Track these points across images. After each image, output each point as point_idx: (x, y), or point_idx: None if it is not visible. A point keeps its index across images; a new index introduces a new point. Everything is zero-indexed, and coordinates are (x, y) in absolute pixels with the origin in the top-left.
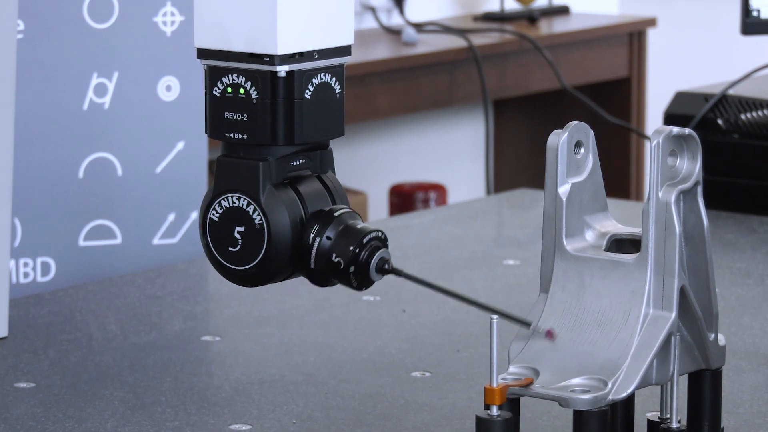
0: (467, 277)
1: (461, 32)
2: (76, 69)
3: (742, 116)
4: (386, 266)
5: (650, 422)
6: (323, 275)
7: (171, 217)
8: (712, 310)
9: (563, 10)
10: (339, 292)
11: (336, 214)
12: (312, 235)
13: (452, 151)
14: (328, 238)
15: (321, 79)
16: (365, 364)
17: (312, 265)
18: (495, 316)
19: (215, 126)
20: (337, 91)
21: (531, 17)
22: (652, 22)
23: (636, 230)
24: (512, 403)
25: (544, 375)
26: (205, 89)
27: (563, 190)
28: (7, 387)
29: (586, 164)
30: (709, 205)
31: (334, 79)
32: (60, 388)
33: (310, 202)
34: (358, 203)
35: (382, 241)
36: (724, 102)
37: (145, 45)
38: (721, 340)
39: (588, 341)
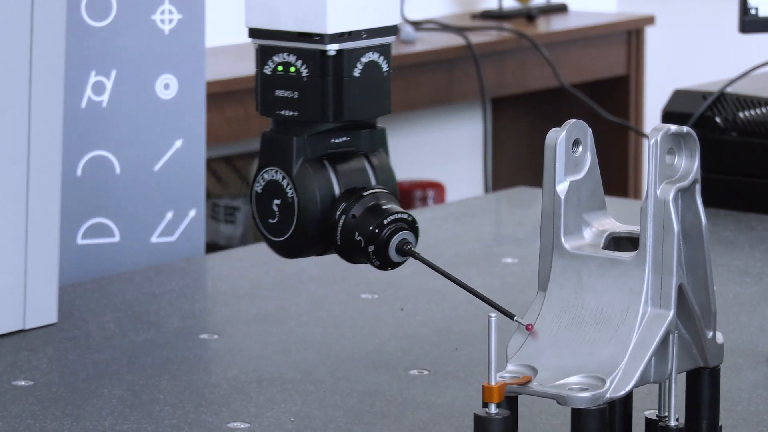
0: (465, 275)
1: (459, 30)
2: (74, 67)
3: (741, 114)
4: (405, 247)
5: (648, 420)
6: (348, 252)
7: (169, 215)
8: (710, 308)
9: (561, 8)
10: (337, 290)
11: (365, 193)
12: (338, 213)
13: (450, 149)
14: (354, 216)
15: (369, 57)
16: (363, 362)
17: (338, 242)
18: (493, 314)
19: (266, 103)
20: (384, 70)
21: (529, 15)
22: (650, 20)
23: (634, 228)
24: (510, 401)
25: (542, 373)
26: (256, 68)
27: (561, 188)
28: (5, 385)
29: (584, 162)
30: (707, 203)
31: (381, 57)
32: (58, 386)
33: (344, 180)
34: None
35: (409, 223)
36: (722, 100)
37: (143, 43)
38: (719, 338)
39: (586, 339)
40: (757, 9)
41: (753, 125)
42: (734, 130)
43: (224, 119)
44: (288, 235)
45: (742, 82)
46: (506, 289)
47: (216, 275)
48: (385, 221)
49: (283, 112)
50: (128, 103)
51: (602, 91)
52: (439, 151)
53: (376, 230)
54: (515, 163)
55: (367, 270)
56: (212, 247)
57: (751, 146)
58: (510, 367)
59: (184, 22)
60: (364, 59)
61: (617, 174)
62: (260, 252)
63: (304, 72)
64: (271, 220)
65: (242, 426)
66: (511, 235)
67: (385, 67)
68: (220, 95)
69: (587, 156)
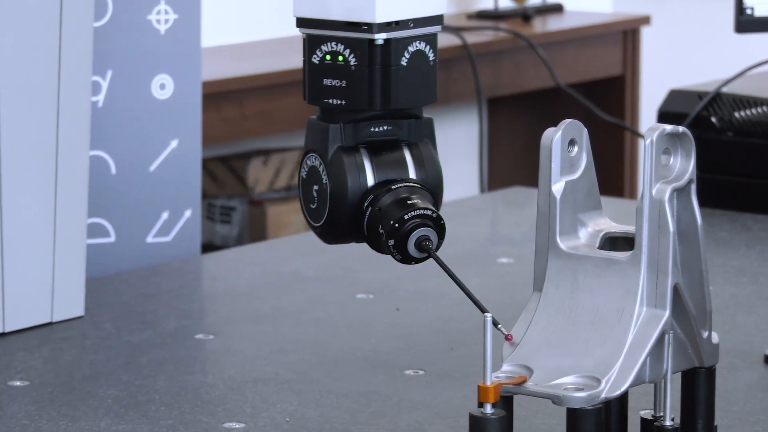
0: (461, 275)
1: (456, 30)
2: None
3: (736, 114)
4: (424, 243)
5: (644, 420)
6: (374, 244)
7: (165, 215)
8: (705, 308)
9: (557, 8)
10: (333, 290)
11: (393, 186)
12: (366, 204)
13: (446, 148)
14: (379, 209)
15: (416, 46)
16: (359, 363)
17: (365, 233)
18: (489, 314)
19: (314, 92)
20: (431, 59)
21: (525, 15)
22: (646, 20)
23: (630, 228)
24: (506, 401)
25: (538, 373)
26: (304, 57)
27: (557, 188)
28: (1, 385)
29: (579, 162)
30: (702, 203)
31: (428, 47)
32: (54, 386)
33: (380, 170)
34: None
35: (433, 220)
36: (717, 100)
37: (139, 43)
38: (715, 338)
39: (582, 339)
40: (752, 9)
41: (749, 125)
42: (730, 130)
43: (220, 119)
44: (323, 221)
45: (737, 82)
46: (502, 289)
47: (212, 275)
48: (407, 216)
49: (330, 101)
50: (124, 103)
51: (598, 91)
52: None
53: (396, 225)
54: (511, 162)
55: (362, 270)
56: (208, 247)
57: (747, 146)
58: (505, 367)
59: (179, 22)
60: (411, 48)
61: (613, 174)
62: (256, 252)
63: (352, 61)
64: (312, 206)
65: (238, 426)
66: (507, 235)
67: (431, 56)
68: (215, 95)
69: (583, 156)
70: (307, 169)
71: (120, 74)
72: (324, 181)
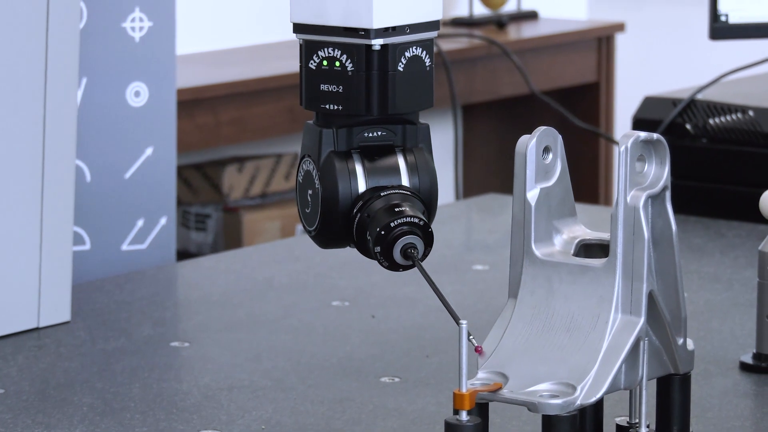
0: (436, 282)
1: None
2: None
3: (711, 121)
4: (409, 251)
5: (619, 427)
6: (364, 250)
7: (140, 222)
8: (680, 315)
9: (532, 16)
10: (308, 297)
11: (383, 193)
12: (356, 210)
13: None
14: (368, 215)
15: (413, 52)
16: (334, 370)
17: (354, 238)
18: (464, 322)
19: (310, 98)
20: (427, 64)
21: (500, 22)
22: (620, 27)
23: (604, 235)
24: (481, 408)
25: (513, 380)
26: (300, 63)
27: (532, 195)
28: None
29: (554, 169)
30: (677, 210)
31: (424, 52)
32: (29, 394)
33: (372, 175)
34: None
35: (420, 228)
36: (692, 107)
37: (113, 51)
38: (690, 344)
39: (557, 346)
40: (727, 16)
41: (723, 132)
42: (704, 136)
43: (195, 127)
44: (316, 225)
45: (712, 89)
46: (477, 296)
47: (187, 283)
48: (393, 224)
49: (327, 106)
50: (99, 111)
51: (573, 98)
52: None
53: (383, 232)
54: (486, 169)
55: (337, 277)
56: (183, 254)
57: (722, 153)
58: (481, 374)
59: (154, 29)
60: (408, 54)
61: (588, 181)
62: (231, 259)
63: (349, 66)
64: (307, 210)
65: None
66: (482, 241)
67: (427, 61)
68: (190, 102)
69: (557, 163)
70: (303, 173)
71: (94, 82)
72: (317, 186)
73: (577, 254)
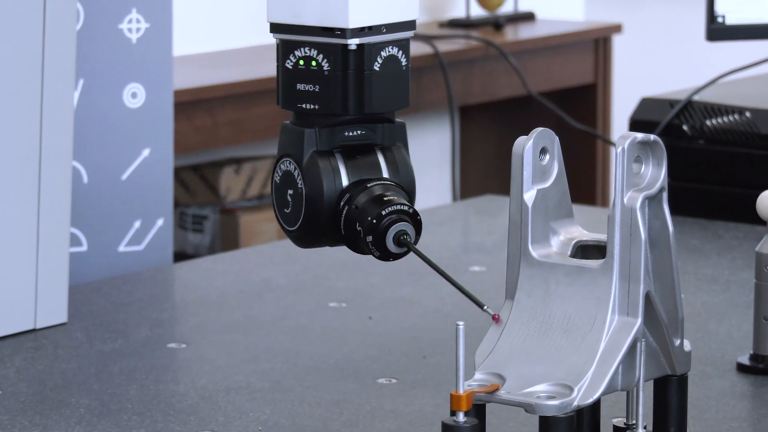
0: (433, 283)
1: (427, 39)
2: None
3: (708, 122)
4: (402, 238)
5: (616, 428)
6: (352, 243)
7: (137, 224)
8: (677, 316)
9: (529, 17)
10: (305, 299)
11: (369, 185)
12: (342, 203)
13: (418, 157)
14: (356, 207)
15: (389, 51)
16: (332, 371)
17: (342, 232)
18: (461, 323)
19: (287, 97)
20: (403, 64)
21: (497, 24)
22: (617, 28)
23: (601, 236)
24: (478, 410)
25: (510, 381)
26: (277, 62)
27: (529, 196)
28: None
29: (551, 170)
30: (674, 211)
31: (400, 52)
32: (26, 395)
33: (354, 172)
34: None
35: (410, 216)
36: (689, 108)
37: (110, 52)
38: (687, 346)
39: (554, 347)
40: (724, 17)
41: (720, 133)
42: (701, 138)
43: (192, 128)
44: (298, 224)
45: (709, 91)
46: None
47: (184, 284)
48: (384, 212)
49: (304, 106)
50: (95, 112)
51: (570, 100)
52: None
53: (374, 221)
54: (483, 171)
55: (335, 278)
56: (180, 256)
57: (719, 154)
58: (478, 375)
59: (151, 30)
60: (384, 53)
61: (585, 182)
62: (228, 261)
63: (326, 66)
64: (286, 210)
65: None
66: (479, 243)
67: (404, 61)
68: (187, 104)
69: (554, 164)
70: (281, 174)
71: (91, 83)
72: (299, 185)
73: (574, 255)
